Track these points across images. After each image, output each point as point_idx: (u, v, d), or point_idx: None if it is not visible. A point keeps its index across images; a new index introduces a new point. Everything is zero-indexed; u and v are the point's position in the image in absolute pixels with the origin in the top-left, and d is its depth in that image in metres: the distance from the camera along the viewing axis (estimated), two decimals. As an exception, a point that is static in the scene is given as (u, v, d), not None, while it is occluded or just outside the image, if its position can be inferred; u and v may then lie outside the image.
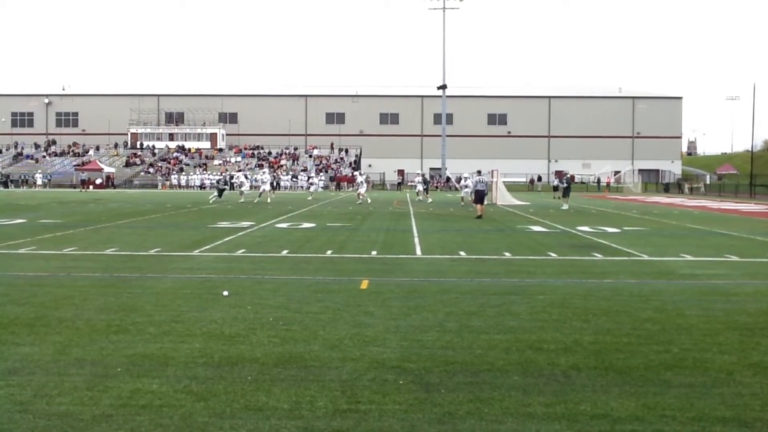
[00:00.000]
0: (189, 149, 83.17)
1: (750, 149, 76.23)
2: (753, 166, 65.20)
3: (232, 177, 37.66)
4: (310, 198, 42.86)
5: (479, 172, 26.85)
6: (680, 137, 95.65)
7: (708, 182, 78.08)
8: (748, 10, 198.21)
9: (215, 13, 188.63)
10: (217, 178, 48.32)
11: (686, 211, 31.64)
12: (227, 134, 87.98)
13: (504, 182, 44.04)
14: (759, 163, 76.27)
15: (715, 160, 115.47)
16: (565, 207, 32.11)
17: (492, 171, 40.53)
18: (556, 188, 50.03)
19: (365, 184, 39.48)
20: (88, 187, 61.59)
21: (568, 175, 37.98)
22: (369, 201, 37.35)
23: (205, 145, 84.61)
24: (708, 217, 27.26)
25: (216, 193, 38.23)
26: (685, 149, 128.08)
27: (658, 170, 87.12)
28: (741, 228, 20.98)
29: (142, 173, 75.82)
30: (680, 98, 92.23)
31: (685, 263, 12.52)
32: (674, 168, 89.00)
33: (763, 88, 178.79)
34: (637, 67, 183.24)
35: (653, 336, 6.76)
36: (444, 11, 73.50)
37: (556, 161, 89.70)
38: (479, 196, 24.48)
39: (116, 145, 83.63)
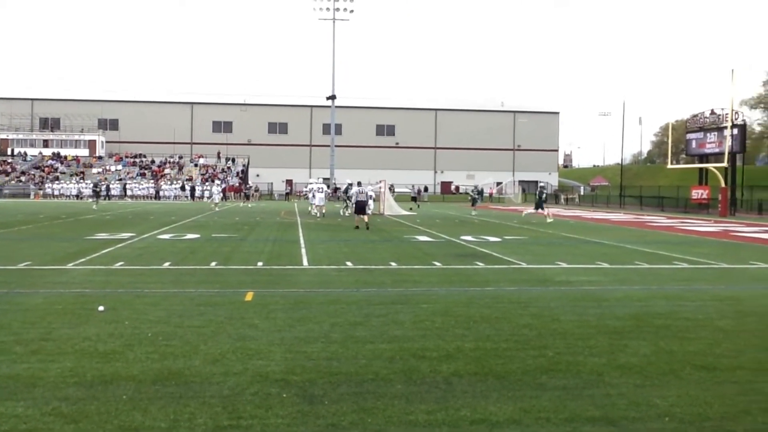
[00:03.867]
0: (65, 157, 78.98)
1: (620, 162, 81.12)
2: (622, 178, 69.47)
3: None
4: (214, 207, 41.62)
5: (359, 183, 27.27)
6: (557, 150, 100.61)
7: (582, 193, 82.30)
8: (619, 32, 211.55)
9: (95, 15, 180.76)
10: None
11: (562, 220, 33.20)
12: (107, 141, 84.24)
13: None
14: (628, 175, 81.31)
15: (588, 173, 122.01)
16: (544, 214, 32.19)
17: (380, 181, 40.97)
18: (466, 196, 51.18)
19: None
20: (-50, 197, 57.17)
21: (542, 186, 36.13)
22: (318, 214, 32.72)
23: (83, 152, 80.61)
24: (582, 226, 28.73)
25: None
26: (561, 162, 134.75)
27: (536, 181, 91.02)
28: (611, 236, 22.26)
29: (13, 182, 71.18)
30: (557, 113, 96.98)
31: (561, 270, 13.13)
32: (551, 179, 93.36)
33: (632, 105, 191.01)
34: (517, 83, 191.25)
35: (530, 341, 7.04)
36: (334, 22, 73.83)
37: (442, 172, 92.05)
38: (359, 207, 24.49)
39: (-17, 152, 78.24)
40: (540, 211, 32.67)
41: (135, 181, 71.16)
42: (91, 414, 4.69)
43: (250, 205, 48.42)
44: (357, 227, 24.12)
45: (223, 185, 45.29)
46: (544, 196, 33.40)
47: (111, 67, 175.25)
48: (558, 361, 6.25)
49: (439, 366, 6.02)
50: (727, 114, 43.50)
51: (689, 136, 50.28)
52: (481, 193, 51.67)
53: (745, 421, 4.74)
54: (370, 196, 27.96)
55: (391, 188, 46.85)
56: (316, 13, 73.81)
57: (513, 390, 5.37)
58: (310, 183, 36.63)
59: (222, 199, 63.88)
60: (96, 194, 46.80)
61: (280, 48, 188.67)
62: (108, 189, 65.79)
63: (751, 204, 45.14)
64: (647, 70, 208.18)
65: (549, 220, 30.88)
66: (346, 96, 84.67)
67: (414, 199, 53.47)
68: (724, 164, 42.08)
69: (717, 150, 45.20)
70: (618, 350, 6.71)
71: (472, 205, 43.59)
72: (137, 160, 79.97)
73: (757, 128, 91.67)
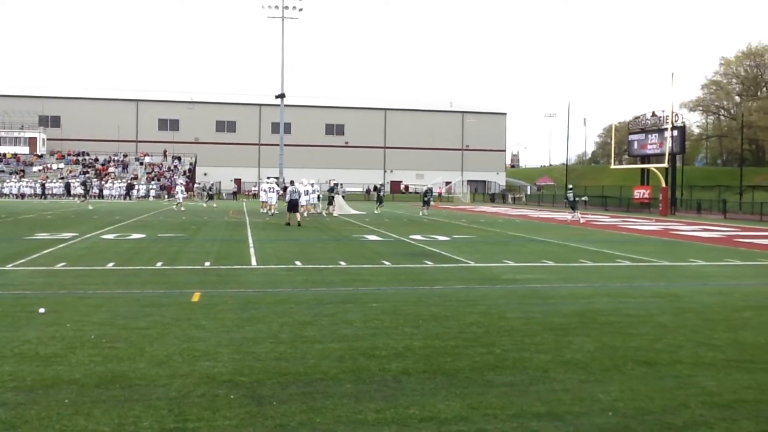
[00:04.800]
0: (4, 154, 76.40)
1: (565, 163, 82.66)
2: (568, 178, 70.78)
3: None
4: (176, 207, 40.49)
5: (292, 183, 28.87)
6: (504, 150, 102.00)
7: (529, 193, 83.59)
8: (564, 35, 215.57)
9: (36, 8, 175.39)
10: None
11: (510, 219, 33.70)
12: (48, 139, 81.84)
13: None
14: (573, 175, 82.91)
15: (535, 172, 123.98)
16: (578, 218, 31.00)
17: (329, 181, 40.86)
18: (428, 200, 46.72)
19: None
20: None
21: (572, 190, 33.80)
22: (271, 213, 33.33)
23: (23, 150, 78.09)
24: (529, 225, 29.19)
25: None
26: (509, 162, 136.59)
27: (485, 181, 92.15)
28: (557, 235, 22.68)
29: (-53, 180, 68.56)
30: (504, 114, 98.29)
31: (508, 269, 13.32)
32: (499, 179, 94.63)
33: (577, 107, 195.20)
34: (465, 84, 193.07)
35: (478, 338, 7.12)
36: (283, 20, 73.29)
37: (392, 172, 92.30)
38: (291, 204, 25.57)
39: None
40: (576, 214, 31.29)
41: (78, 179, 69.28)
42: (31, 419, 4.56)
43: (214, 205, 47.22)
44: (288, 224, 25.21)
45: (177, 184, 43.88)
46: (575, 198, 31.98)
47: (53, 63, 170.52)
48: (505, 358, 6.34)
49: (389, 365, 6.04)
50: (667, 116, 44.73)
51: (631, 137, 51.54)
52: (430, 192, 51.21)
53: (684, 414, 4.89)
54: (305, 192, 30.78)
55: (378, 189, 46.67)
56: (264, 11, 73.17)
57: (461, 387, 5.43)
58: (268, 181, 36.30)
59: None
60: (86, 193, 45.57)
61: (229, 46, 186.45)
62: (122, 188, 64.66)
63: (690, 203, 46.54)
64: (591, 73, 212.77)
65: (581, 221, 30.52)
66: (296, 95, 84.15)
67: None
68: (665, 165, 43.26)
69: (658, 151, 46.43)
70: (563, 347, 6.84)
71: (427, 206, 39.80)
72: (80, 158, 77.91)
73: (696, 130, 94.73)
